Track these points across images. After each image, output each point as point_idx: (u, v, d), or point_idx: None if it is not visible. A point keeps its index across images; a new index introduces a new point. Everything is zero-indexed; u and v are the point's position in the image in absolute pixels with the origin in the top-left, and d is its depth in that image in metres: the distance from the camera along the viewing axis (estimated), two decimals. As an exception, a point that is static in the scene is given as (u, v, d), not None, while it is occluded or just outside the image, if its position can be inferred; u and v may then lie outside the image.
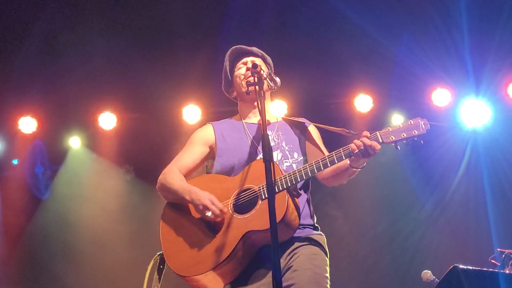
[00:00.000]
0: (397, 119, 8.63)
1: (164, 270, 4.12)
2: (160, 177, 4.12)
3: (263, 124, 3.44)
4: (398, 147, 3.72)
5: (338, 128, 4.02)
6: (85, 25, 7.96)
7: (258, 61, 4.29)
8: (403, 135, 3.68)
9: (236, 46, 4.34)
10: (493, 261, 5.97)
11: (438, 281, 5.87)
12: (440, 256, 8.10)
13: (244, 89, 4.13)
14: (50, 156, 9.11)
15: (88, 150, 9.12)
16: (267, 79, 3.83)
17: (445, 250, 8.28)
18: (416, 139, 3.68)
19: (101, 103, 8.71)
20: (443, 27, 7.83)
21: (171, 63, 8.19)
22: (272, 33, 7.87)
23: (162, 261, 4.09)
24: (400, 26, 7.90)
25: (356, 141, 3.71)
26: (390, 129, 3.72)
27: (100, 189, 9.26)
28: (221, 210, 3.78)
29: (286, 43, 7.69)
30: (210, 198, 3.81)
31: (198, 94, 8.51)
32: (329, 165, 3.75)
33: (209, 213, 3.78)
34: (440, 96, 8.33)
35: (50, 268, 8.93)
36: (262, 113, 3.48)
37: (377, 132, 3.74)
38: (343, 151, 3.74)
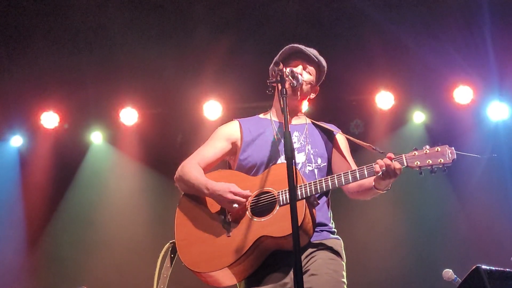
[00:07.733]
0: (418, 116, 8.58)
1: (175, 258, 4.06)
2: (178, 169, 4.08)
3: (285, 124, 3.41)
4: (422, 173, 3.68)
5: (365, 143, 4.01)
6: (109, 20, 7.97)
7: (312, 68, 4.17)
8: (429, 162, 3.64)
9: (293, 46, 4.14)
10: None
11: (459, 280, 5.86)
12: (461, 256, 8.02)
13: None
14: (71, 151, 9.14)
15: (109, 145, 9.18)
16: (289, 76, 3.82)
17: (467, 249, 8.22)
18: (441, 167, 3.65)
19: (123, 98, 8.75)
20: (465, 23, 7.79)
21: (192, 59, 8.20)
22: (293, 28, 7.86)
23: (173, 250, 4.04)
24: (422, 22, 7.86)
25: (379, 160, 3.68)
26: (416, 154, 3.68)
27: (121, 185, 9.32)
28: (245, 196, 3.75)
29: (308, 38, 7.66)
30: (230, 190, 3.76)
31: (219, 90, 8.52)
32: (350, 180, 3.74)
33: (235, 205, 3.74)
34: (462, 94, 8.27)
35: (70, 263, 8.97)
36: (284, 111, 3.47)
37: (403, 155, 3.71)
38: (366, 169, 3.72)
